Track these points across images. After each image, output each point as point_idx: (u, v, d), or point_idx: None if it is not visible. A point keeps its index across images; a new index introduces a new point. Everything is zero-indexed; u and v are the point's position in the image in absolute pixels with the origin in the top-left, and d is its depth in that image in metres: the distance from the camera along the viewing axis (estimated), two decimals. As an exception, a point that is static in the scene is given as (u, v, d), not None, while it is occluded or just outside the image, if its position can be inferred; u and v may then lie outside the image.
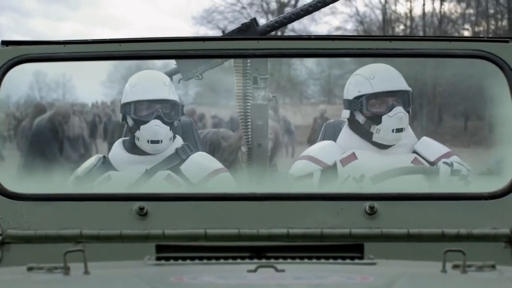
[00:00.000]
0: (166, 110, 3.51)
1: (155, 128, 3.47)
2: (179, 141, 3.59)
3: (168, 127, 3.49)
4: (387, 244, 2.60)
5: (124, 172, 3.49)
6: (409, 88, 3.47)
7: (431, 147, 3.53)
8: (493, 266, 2.14)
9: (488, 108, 3.09)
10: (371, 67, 3.51)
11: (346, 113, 3.52)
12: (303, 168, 3.46)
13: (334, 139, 3.58)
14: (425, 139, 3.57)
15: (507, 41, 2.74)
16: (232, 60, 3.23)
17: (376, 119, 3.44)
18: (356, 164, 3.40)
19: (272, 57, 3.05)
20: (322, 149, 3.54)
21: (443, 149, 3.54)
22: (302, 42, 2.86)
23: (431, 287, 2.07)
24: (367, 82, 3.47)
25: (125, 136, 3.68)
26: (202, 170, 3.47)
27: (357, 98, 3.47)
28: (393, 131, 3.43)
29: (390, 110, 3.42)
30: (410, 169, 3.40)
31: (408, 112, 3.46)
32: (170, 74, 3.50)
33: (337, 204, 2.66)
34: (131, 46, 2.79)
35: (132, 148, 3.55)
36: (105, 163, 3.56)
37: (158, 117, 3.48)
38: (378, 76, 3.47)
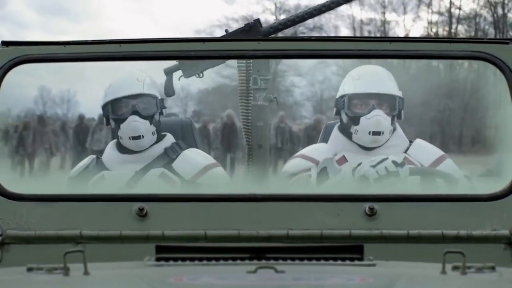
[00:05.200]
0: (143, 105, 3.53)
1: (133, 124, 3.50)
2: (169, 140, 3.59)
3: (147, 122, 3.52)
4: (387, 245, 2.60)
5: (117, 171, 3.50)
6: (396, 93, 3.47)
7: (424, 152, 3.54)
8: (492, 268, 2.14)
9: (488, 109, 3.09)
10: (363, 68, 3.54)
11: (334, 111, 3.56)
12: (297, 166, 3.49)
13: None
14: (418, 141, 3.58)
15: (507, 43, 2.73)
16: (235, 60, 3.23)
17: (355, 119, 3.47)
18: (347, 166, 3.41)
19: (273, 58, 3.06)
20: (314, 149, 3.59)
21: (436, 153, 3.54)
22: (303, 43, 2.86)
23: None
24: (352, 82, 3.50)
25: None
26: (194, 166, 3.48)
27: (341, 97, 3.52)
28: (369, 133, 3.44)
29: (369, 112, 3.43)
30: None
31: (394, 116, 3.47)
32: (171, 71, 3.51)
33: (336, 205, 2.66)
34: (131, 47, 2.79)
35: (121, 148, 3.58)
36: (98, 164, 3.58)
37: (135, 113, 3.51)
38: (363, 77, 3.49)
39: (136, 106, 3.52)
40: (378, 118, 3.43)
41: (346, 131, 3.52)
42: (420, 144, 3.57)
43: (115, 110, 3.55)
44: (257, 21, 3.02)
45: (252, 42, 2.82)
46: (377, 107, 3.44)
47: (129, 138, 3.51)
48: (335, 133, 3.58)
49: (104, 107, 3.57)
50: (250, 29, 2.99)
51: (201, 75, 3.17)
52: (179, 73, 3.27)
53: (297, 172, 3.45)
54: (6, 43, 2.75)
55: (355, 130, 3.46)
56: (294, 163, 3.52)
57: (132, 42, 2.79)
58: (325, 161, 3.37)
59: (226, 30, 3.04)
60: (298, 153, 3.60)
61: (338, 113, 3.55)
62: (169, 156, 3.53)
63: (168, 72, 3.47)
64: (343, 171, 3.28)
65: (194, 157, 3.54)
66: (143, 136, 3.51)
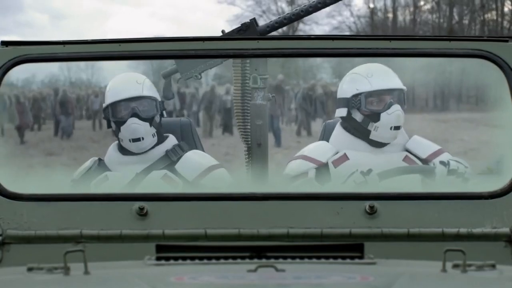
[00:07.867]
0: (142, 107, 3.54)
1: (133, 126, 3.51)
2: (171, 141, 3.59)
3: (147, 124, 3.52)
4: (387, 243, 2.60)
5: (121, 172, 3.50)
6: (404, 87, 3.52)
7: (422, 145, 3.58)
8: (493, 266, 2.14)
9: (487, 107, 3.09)
10: (367, 66, 3.55)
11: (342, 112, 3.53)
12: (298, 167, 3.49)
13: None
14: (416, 137, 3.61)
15: (506, 41, 2.73)
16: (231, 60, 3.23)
17: (374, 116, 3.47)
18: (348, 164, 3.41)
19: (271, 57, 3.05)
20: (315, 148, 3.58)
21: (433, 146, 3.58)
22: (301, 42, 2.86)
23: (431, 287, 2.07)
24: (365, 80, 3.50)
25: None
26: (197, 168, 3.48)
27: (355, 96, 3.50)
28: (391, 128, 3.47)
29: (389, 107, 3.46)
30: (410, 169, 3.42)
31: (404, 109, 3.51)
32: (169, 74, 3.51)
33: (337, 204, 2.66)
34: (131, 46, 2.79)
35: (123, 149, 3.58)
36: (101, 165, 3.58)
37: (134, 115, 3.52)
38: (376, 74, 3.51)
39: (135, 109, 3.53)
40: (398, 113, 3.47)
41: (358, 130, 3.51)
42: (418, 139, 3.60)
43: (115, 113, 3.56)
44: (253, 20, 3.03)
45: (251, 41, 2.82)
46: (394, 102, 3.47)
47: (129, 140, 3.52)
48: (339, 130, 3.57)
49: (105, 110, 3.59)
50: (247, 29, 2.99)
51: (199, 76, 3.17)
52: (177, 75, 3.27)
53: (298, 175, 3.45)
54: (6, 43, 2.75)
55: (375, 127, 3.47)
56: (295, 165, 3.52)
57: (131, 42, 2.80)
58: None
59: (222, 31, 3.04)
60: (300, 153, 3.58)
61: (349, 112, 3.53)
62: (170, 159, 3.53)
63: (166, 76, 3.48)
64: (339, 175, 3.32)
65: (197, 159, 3.54)
66: (143, 138, 3.52)
